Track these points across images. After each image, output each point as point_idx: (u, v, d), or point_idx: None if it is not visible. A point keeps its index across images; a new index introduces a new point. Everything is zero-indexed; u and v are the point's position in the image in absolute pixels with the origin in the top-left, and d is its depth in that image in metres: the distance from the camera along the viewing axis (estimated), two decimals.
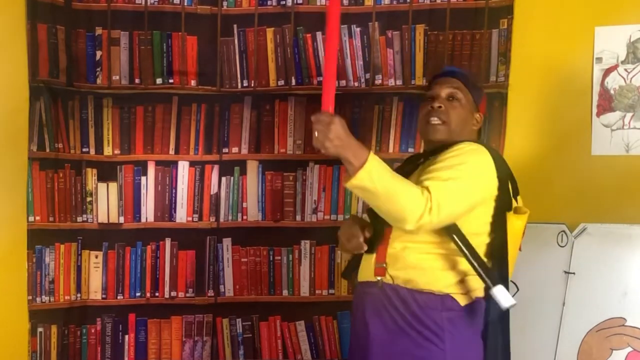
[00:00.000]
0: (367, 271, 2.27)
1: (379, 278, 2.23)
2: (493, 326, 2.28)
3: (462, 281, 2.24)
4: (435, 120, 2.32)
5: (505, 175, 2.27)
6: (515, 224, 2.30)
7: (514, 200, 2.31)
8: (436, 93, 2.37)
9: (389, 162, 2.28)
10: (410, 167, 2.36)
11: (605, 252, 2.82)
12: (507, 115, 3.14)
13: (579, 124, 3.04)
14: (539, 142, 3.09)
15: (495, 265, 2.25)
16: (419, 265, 2.19)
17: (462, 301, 2.23)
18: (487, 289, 2.19)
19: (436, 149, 2.32)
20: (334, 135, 2.04)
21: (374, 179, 2.03)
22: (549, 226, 2.90)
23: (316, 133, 2.06)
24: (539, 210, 2.89)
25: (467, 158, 2.21)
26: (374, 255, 2.25)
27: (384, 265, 2.21)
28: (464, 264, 2.23)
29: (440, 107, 2.32)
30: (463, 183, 2.15)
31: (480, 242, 2.25)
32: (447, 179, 2.13)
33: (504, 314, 2.30)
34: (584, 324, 2.81)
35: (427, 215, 2.06)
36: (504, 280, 2.25)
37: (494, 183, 2.24)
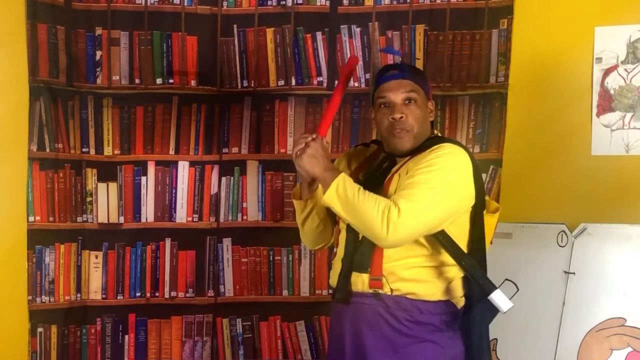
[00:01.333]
0: (359, 283, 2.26)
1: (376, 290, 2.23)
2: (478, 326, 2.29)
3: (456, 286, 2.28)
4: (400, 133, 2.25)
5: (479, 176, 2.28)
6: (489, 222, 2.31)
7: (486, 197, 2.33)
8: (391, 100, 2.26)
9: None
10: (380, 174, 2.30)
11: (605, 252, 2.81)
12: (507, 115, 3.14)
13: (579, 124, 3.04)
14: (539, 142, 3.09)
15: (474, 254, 2.26)
16: (416, 278, 2.21)
17: (459, 304, 2.29)
18: (485, 294, 2.20)
19: (405, 154, 2.29)
20: (312, 150, 2.17)
21: (340, 193, 2.12)
22: (549, 226, 2.90)
23: (299, 140, 2.20)
24: (539, 210, 2.90)
25: (443, 161, 2.18)
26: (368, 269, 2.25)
27: (381, 278, 2.21)
28: (456, 271, 2.26)
29: (401, 117, 2.25)
30: (437, 192, 2.14)
31: (460, 242, 2.26)
32: (419, 184, 2.13)
33: (489, 315, 2.32)
34: (584, 324, 2.81)
35: (393, 226, 2.08)
36: (479, 268, 2.28)
37: (471, 190, 2.23)
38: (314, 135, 2.21)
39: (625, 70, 2.98)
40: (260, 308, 3.33)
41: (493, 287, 2.20)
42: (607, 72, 3.00)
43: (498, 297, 2.20)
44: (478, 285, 2.22)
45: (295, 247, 3.31)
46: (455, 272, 2.26)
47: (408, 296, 2.21)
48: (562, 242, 2.89)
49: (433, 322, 2.23)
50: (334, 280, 2.34)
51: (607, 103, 3.00)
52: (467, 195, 2.23)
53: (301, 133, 2.18)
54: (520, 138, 3.12)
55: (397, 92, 2.27)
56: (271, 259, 3.32)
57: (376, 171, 2.33)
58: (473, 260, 2.23)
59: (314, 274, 3.32)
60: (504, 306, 2.20)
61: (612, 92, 3.00)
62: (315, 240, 2.49)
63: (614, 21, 2.98)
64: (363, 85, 3.26)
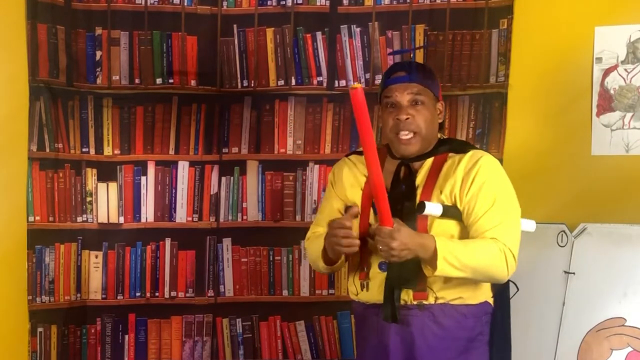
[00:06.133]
0: (404, 297, 2.24)
1: (421, 301, 2.23)
2: (497, 324, 2.34)
3: (489, 286, 2.31)
4: (405, 134, 2.24)
5: None
6: None
7: None
8: (397, 101, 2.24)
9: None
10: (406, 187, 2.26)
11: (605, 252, 2.81)
12: (507, 116, 3.14)
13: (579, 124, 3.04)
14: (539, 142, 3.09)
15: None
16: (459, 282, 2.21)
17: (493, 303, 2.33)
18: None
19: (419, 156, 2.29)
20: (399, 246, 2.08)
21: (452, 262, 2.10)
22: (549, 226, 2.90)
23: (380, 246, 2.10)
24: (539, 210, 2.89)
25: (496, 182, 2.23)
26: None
27: (425, 289, 2.22)
28: None
29: (407, 118, 2.22)
30: (512, 214, 2.24)
31: None
32: (501, 221, 2.19)
33: (506, 314, 2.38)
34: (584, 324, 2.81)
35: (511, 267, 2.19)
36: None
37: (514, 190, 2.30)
38: (387, 231, 2.10)
39: (625, 70, 2.98)
40: (260, 308, 3.33)
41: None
42: (607, 72, 3.00)
43: (523, 225, 2.32)
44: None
45: (295, 247, 3.31)
46: None
47: (453, 302, 2.22)
48: (562, 242, 2.89)
49: (477, 325, 2.26)
50: (368, 297, 2.29)
51: (607, 103, 3.00)
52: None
53: (376, 231, 2.14)
54: (520, 138, 3.12)
55: (403, 93, 2.25)
56: (271, 259, 3.32)
57: (397, 183, 2.28)
58: None
59: (314, 274, 3.31)
60: (531, 227, 2.37)
61: (612, 92, 3.00)
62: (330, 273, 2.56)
63: (614, 21, 2.98)
64: (363, 85, 3.24)
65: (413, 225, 2.17)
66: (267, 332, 3.33)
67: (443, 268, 2.09)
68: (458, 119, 3.20)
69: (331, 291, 3.31)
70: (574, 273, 2.85)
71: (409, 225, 2.15)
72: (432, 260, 2.09)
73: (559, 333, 2.84)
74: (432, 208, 2.16)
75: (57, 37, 3.20)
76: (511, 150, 3.12)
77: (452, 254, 2.10)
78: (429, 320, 2.22)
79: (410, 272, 2.18)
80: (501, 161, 3.07)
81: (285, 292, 3.33)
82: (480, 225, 2.18)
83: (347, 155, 2.46)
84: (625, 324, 2.75)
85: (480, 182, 2.19)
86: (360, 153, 2.39)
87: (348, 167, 2.39)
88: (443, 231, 2.19)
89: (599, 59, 3.01)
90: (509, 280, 2.35)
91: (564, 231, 2.88)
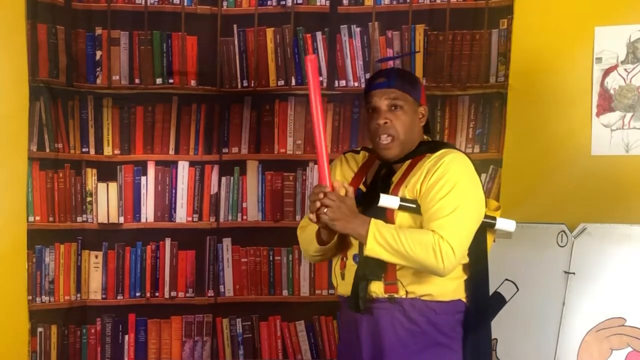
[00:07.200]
0: (375, 290, 2.28)
1: (392, 295, 2.27)
2: (474, 322, 2.35)
3: (462, 285, 2.32)
4: (384, 139, 2.30)
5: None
6: None
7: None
8: (377, 106, 2.31)
9: None
10: (382, 185, 2.32)
11: (605, 252, 2.81)
12: (507, 115, 3.14)
13: (578, 124, 3.04)
14: (539, 142, 3.09)
15: (476, 260, 2.32)
16: (430, 279, 2.25)
17: (468, 302, 2.33)
18: (492, 226, 2.32)
19: (401, 159, 2.34)
20: (347, 211, 2.19)
21: (380, 242, 2.17)
22: (549, 226, 2.90)
23: (325, 209, 2.19)
24: (539, 210, 2.90)
25: (457, 175, 2.24)
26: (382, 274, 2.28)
27: (396, 282, 2.26)
28: (464, 269, 2.32)
29: (385, 122, 2.29)
30: (466, 208, 2.23)
31: None
32: (450, 212, 2.19)
33: (484, 312, 2.37)
34: (584, 324, 2.81)
35: (447, 260, 2.17)
36: (483, 274, 2.35)
37: (481, 189, 2.31)
38: (325, 190, 2.20)
39: (625, 70, 2.98)
40: (260, 308, 3.33)
41: (493, 221, 2.31)
42: (607, 72, 3.01)
43: (501, 224, 2.31)
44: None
45: (295, 247, 3.31)
46: (461, 271, 2.32)
47: (423, 298, 2.26)
48: (562, 242, 2.89)
49: (448, 322, 2.29)
50: (345, 289, 2.35)
51: (607, 103, 3.01)
52: (482, 198, 2.30)
53: (312, 193, 2.25)
54: (520, 138, 3.12)
55: (381, 98, 2.31)
56: (271, 259, 3.32)
57: (376, 181, 2.36)
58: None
59: (314, 273, 3.32)
60: (510, 227, 2.32)
61: (612, 92, 3.00)
62: (320, 261, 2.55)
63: (614, 21, 2.98)
64: (363, 85, 3.26)
65: (382, 218, 2.24)
66: (267, 332, 3.33)
67: (373, 247, 2.17)
68: (458, 119, 3.20)
69: (331, 291, 3.30)
70: (574, 273, 2.85)
71: (378, 217, 2.23)
72: (365, 238, 2.18)
73: (559, 333, 2.84)
74: (388, 200, 2.23)
75: (57, 37, 3.20)
76: (511, 150, 3.12)
77: (381, 235, 2.17)
78: (399, 313, 2.27)
79: (376, 263, 2.23)
80: (501, 161, 3.11)
81: (285, 292, 3.33)
82: (430, 215, 2.21)
83: (344, 153, 2.53)
84: (625, 324, 2.76)
85: (440, 174, 2.23)
86: (356, 151, 2.51)
87: (341, 163, 2.48)
88: (402, 224, 2.25)
89: (599, 59, 3.01)
90: (506, 279, 2.35)
91: (564, 231, 2.89)
